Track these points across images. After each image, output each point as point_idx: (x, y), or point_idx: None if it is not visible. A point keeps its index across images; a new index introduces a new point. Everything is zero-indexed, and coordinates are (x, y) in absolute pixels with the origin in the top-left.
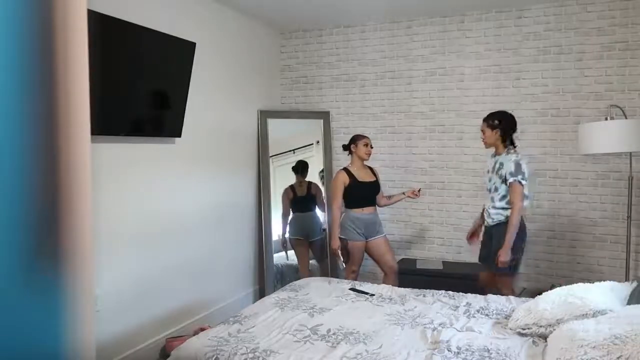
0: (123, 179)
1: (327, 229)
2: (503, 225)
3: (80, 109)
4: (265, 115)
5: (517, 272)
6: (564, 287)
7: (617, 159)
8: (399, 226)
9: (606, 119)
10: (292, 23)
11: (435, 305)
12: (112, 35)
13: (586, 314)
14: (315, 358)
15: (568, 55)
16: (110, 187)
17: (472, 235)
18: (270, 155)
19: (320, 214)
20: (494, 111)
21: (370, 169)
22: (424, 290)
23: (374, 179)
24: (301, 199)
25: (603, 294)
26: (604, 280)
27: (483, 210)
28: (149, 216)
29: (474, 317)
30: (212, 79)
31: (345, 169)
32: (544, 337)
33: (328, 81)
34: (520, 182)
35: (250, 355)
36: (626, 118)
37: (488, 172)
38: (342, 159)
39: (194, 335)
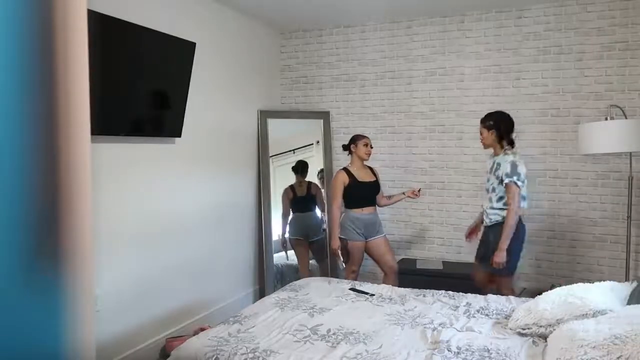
0: (123, 179)
1: (327, 229)
2: (500, 225)
3: (80, 109)
4: (265, 115)
5: (514, 273)
6: (564, 287)
7: (617, 159)
8: (399, 226)
9: (606, 119)
10: (292, 23)
11: (435, 305)
12: (112, 35)
13: (586, 314)
14: (315, 358)
15: (568, 55)
16: (110, 187)
17: (470, 233)
18: (270, 155)
19: (320, 214)
20: (491, 112)
21: (370, 169)
22: (424, 290)
23: (374, 179)
24: (301, 199)
25: (603, 294)
26: (604, 280)
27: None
28: (149, 216)
29: (474, 317)
30: (212, 79)
31: (345, 169)
32: (544, 337)
33: (328, 81)
34: (516, 183)
35: (250, 355)
36: (626, 118)
37: (487, 172)
38: (342, 159)
39: (194, 335)
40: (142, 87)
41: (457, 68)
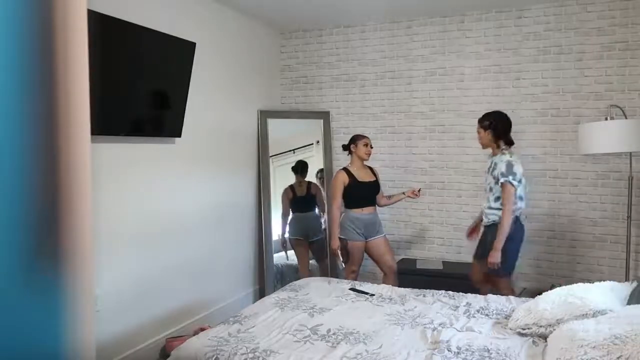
0: (123, 179)
1: (327, 229)
2: (497, 225)
3: (80, 109)
4: (265, 115)
5: (512, 273)
6: (564, 287)
7: (617, 159)
8: (399, 226)
9: (606, 119)
10: (292, 23)
11: (435, 305)
12: (112, 35)
13: (586, 314)
14: (315, 358)
15: (568, 55)
16: (110, 187)
17: (471, 232)
18: (270, 155)
19: (320, 214)
20: (489, 111)
21: (370, 169)
22: (424, 290)
23: (374, 179)
24: (301, 199)
25: (603, 294)
26: (604, 280)
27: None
28: (149, 216)
29: (474, 317)
30: (212, 79)
31: (345, 169)
32: (544, 337)
33: (328, 81)
34: (511, 183)
35: (250, 355)
36: (626, 118)
37: (485, 172)
38: (342, 159)
39: (194, 335)
40: (142, 87)
41: (457, 68)
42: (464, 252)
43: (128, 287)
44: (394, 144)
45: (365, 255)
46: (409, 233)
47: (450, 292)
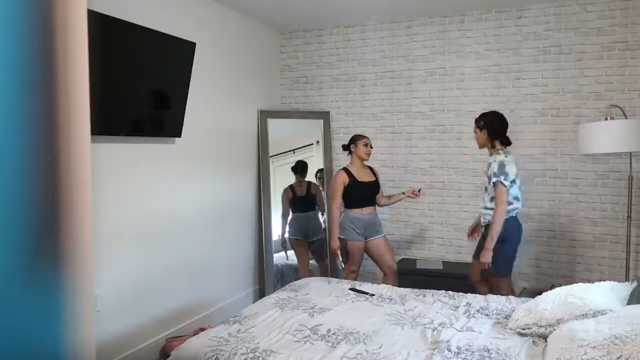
0: (123, 179)
1: (327, 229)
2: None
3: (80, 109)
4: (265, 115)
5: (510, 273)
6: (564, 287)
7: (617, 159)
8: (399, 226)
9: (606, 119)
10: (292, 23)
11: (435, 305)
12: (112, 35)
13: (586, 314)
14: (315, 358)
15: (568, 55)
16: (110, 187)
17: (472, 232)
18: (270, 155)
19: (319, 214)
20: (485, 112)
21: (370, 168)
22: (424, 290)
23: (374, 178)
24: (301, 199)
25: (603, 294)
26: (604, 280)
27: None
28: (149, 216)
29: (474, 317)
30: (212, 79)
31: (345, 169)
32: (544, 337)
33: (328, 81)
34: (502, 183)
35: (250, 355)
36: (626, 118)
37: (484, 172)
38: (342, 159)
39: (194, 335)
40: (142, 87)
41: (457, 68)
42: (464, 252)
43: (128, 287)
44: (394, 144)
45: (365, 255)
46: (409, 233)
47: (450, 292)
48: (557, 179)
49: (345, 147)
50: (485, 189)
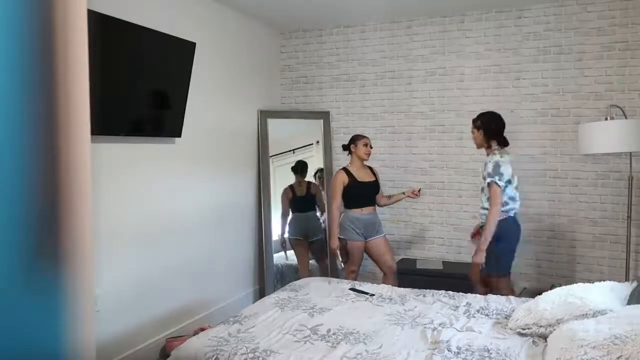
0: (123, 179)
1: (327, 229)
2: None
3: (80, 109)
4: (265, 115)
5: (509, 273)
6: (564, 287)
7: (617, 159)
8: (399, 226)
9: (606, 119)
10: (292, 23)
11: (435, 305)
12: (112, 35)
13: (586, 314)
14: (315, 358)
15: (568, 55)
16: (110, 187)
17: (475, 234)
18: (270, 155)
19: (319, 213)
20: (483, 112)
21: (370, 168)
22: (424, 290)
23: (374, 178)
24: (301, 199)
25: (603, 294)
26: (604, 280)
27: None
28: (149, 216)
29: (474, 317)
30: (212, 79)
31: (345, 169)
32: (544, 337)
33: (328, 81)
34: (496, 183)
35: (250, 355)
36: (626, 118)
37: None
38: (342, 159)
39: (194, 335)
40: (142, 87)
41: (457, 68)
42: (464, 252)
43: (128, 287)
44: (394, 144)
45: (365, 255)
46: (409, 233)
47: (450, 292)
48: (557, 179)
49: (345, 147)
50: (482, 189)
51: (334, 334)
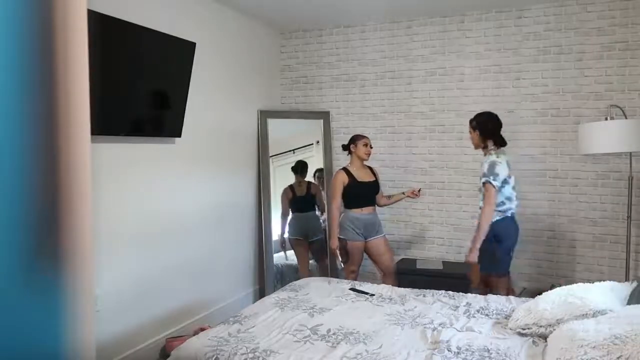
0: (123, 179)
1: (326, 229)
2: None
3: (80, 109)
4: (265, 115)
5: (508, 273)
6: (564, 287)
7: (617, 159)
8: (399, 226)
9: (606, 119)
10: (292, 23)
11: (435, 305)
12: (112, 35)
13: (586, 314)
14: (315, 358)
15: (568, 55)
16: (110, 187)
17: None
18: (270, 155)
19: (319, 213)
20: (481, 112)
21: (370, 168)
22: (424, 290)
23: (374, 178)
24: (300, 199)
25: (603, 294)
26: (604, 280)
27: None
28: (149, 216)
29: (474, 317)
30: (212, 79)
31: (345, 169)
32: (544, 337)
33: (328, 81)
34: (491, 183)
35: (250, 355)
36: (626, 118)
37: None
38: (342, 159)
39: (194, 335)
40: (142, 87)
41: (457, 68)
42: (464, 252)
43: (128, 287)
44: (394, 144)
45: (365, 255)
46: (409, 233)
47: (450, 292)
48: (557, 179)
49: (345, 147)
50: (480, 189)
51: (334, 334)
